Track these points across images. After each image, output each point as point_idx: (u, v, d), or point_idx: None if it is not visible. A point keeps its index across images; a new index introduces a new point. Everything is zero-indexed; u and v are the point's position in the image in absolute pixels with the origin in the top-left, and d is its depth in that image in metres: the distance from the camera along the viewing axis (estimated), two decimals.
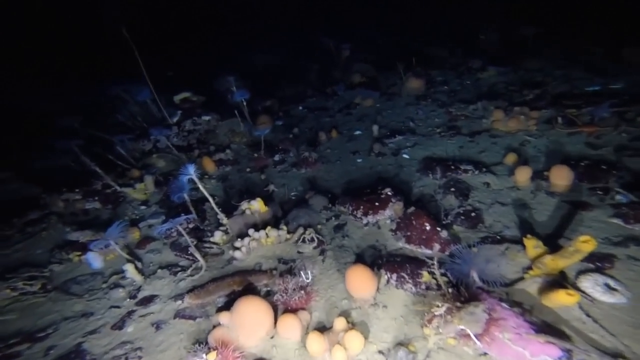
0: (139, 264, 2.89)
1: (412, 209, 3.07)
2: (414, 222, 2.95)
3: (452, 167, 3.80)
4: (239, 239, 2.98)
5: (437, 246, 2.79)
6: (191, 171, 2.86)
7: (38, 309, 2.53)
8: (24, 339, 2.15)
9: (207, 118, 5.16)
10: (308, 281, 2.61)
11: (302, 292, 2.46)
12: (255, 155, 4.65)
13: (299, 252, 3.01)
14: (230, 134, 5.04)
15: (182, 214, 3.14)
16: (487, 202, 3.27)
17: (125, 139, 4.74)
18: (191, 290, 2.51)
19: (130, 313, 2.36)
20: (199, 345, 1.76)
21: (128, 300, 2.51)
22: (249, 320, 2.06)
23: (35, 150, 5.13)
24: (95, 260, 2.90)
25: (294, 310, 2.35)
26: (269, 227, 3.07)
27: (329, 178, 4.29)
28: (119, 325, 2.24)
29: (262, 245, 3.04)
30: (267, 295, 2.54)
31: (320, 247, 3.07)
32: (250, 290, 2.56)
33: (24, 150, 5.26)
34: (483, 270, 2.19)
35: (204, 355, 1.70)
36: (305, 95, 6.79)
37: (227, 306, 2.36)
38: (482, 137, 4.43)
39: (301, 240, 3.11)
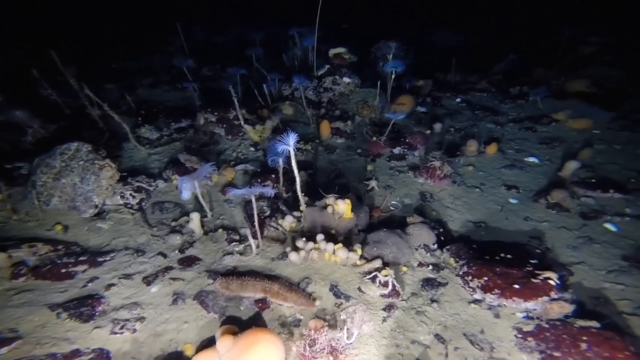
0: (209, 213, 2.84)
1: (594, 324, 1.93)
2: (582, 347, 1.82)
3: None
4: (302, 240, 2.49)
5: None
6: (290, 142, 2.45)
7: (121, 226, 2.68)
8: (88, 262, 2.26)
9: (347, 80, 4.60)
10: (348, 343, 1.94)
11: (331, 357, 1.83)
12: (374, 138, 3.86)
13: (359, 291, 2.31)
14: (360, 105, 4.34)
15: (262, 185, 2.87)
16: None
17: (276, 79, 4.78)
18: (226, 274, 2.25)
19: (166, 270, 2.30)
20: None
21: (176, 252, 2.48)
22: None
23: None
24: (185, 191, 3.01)
25: None
26: (339, 245, 2.43)
27: (453, 207, 3.16)
28: (150, 279, 2.21)
29: (322, 259, 2.47)
30: (293, 326, 2.03)
31: (391, 298, 2.27)
32: (275, 314, 2.10)
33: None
34: None
35: None
36: (474, 86, 5.19)
37: (238, 322, 1.99)
38: None
39: (371, 276, 2.37)
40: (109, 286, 2.10)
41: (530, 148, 3.87)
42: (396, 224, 2.88)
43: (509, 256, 2.47)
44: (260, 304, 2.12)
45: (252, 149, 3.88)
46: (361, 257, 2.51)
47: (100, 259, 2.28)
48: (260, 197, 2.92)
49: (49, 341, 1.71)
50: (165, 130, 4.12)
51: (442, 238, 2.82)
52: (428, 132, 4.08)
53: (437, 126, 4.09)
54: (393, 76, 4.12)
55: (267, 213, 2.82)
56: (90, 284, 2.12)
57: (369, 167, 3.60)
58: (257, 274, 2.25)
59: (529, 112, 4.53)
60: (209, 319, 1.99)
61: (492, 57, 5.95)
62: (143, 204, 2.92)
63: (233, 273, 2.29)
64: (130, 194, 2.90)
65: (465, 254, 2.58)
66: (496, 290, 2.23)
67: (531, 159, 3.67)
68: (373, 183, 3.32)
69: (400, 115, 3.62)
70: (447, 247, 2.68)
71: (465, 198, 3.26)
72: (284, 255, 2.50)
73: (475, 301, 2.28)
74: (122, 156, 3.65)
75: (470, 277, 2.38)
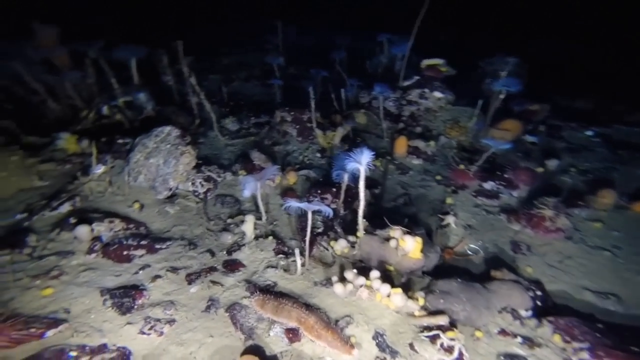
0: (264, 217, 2.73)
1: None
2: None
3: None
4: (352, 271, 2.15)
5: None
6: (363, 162, 2.22)
7: (184, 213, 2.73)
8: (147, 247, 2.30)
9: (438, 95, 4.03)
10: None
11: None
12: (461, 166, 3.20)
13: (411, 348, 1.88)
14: (450, 124, 3.70)
15: (321, 198, 2.62)
16: None
17: (355, 85, 4.56)
18: (264, 291, 2.08)
19: (210, 270, 2.22)
20: None
21: (224, 252, 2.41)
22: None
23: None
24: (248, 189, 2.95)
25: None
26: (398, 290, 2.02)
27: (561, 267, 2.40)
28: (193, 278, 2.15)
29: (372, 299, 2.09)
30: None
31: None
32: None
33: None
34: None
35: None
36: (622, 117, 3.92)
37: (261, 353, 1.76)
38: None
39: (431, 334, 1.91)
40: (155, 277, 2.12)
41: None
42: (474, 275, 2.30)
43: None
44: (290, 335, 1.88)
45: (318, 154, 3.70)
46: (423, 307, 2.06)
47: (157, 246, 2.34)
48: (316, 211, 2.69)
49: (86, 330, 1.76)
50: (245, 124, 4.23)
51: (540, 304, 2.15)
52: (540, 169, 3.20)
53: (553, 163, 3.18)
54: (502, 96, 3.36)
55: (320, 229, 2.56)
56: (141, 272, 2.16)
57: (449, 200, 3.03)
58: (296, 300, 2.02)
59: None
60: (235, 338, 1.83)
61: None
62: (208, 194, 2.99)
63: (271, 291, 2.11)
64: (200, 183, 2.98)
65: (586, 335, 1.92)
66: None
67: None
68: (450, 219, 2.74)
69: (504, 145, 2.89)
70: (550, 318, 2.02)
71: (582, 259, 2.43)
72: (329, 282, 2.21)
73: None
74: (204, 143, 3.87)
75: None
